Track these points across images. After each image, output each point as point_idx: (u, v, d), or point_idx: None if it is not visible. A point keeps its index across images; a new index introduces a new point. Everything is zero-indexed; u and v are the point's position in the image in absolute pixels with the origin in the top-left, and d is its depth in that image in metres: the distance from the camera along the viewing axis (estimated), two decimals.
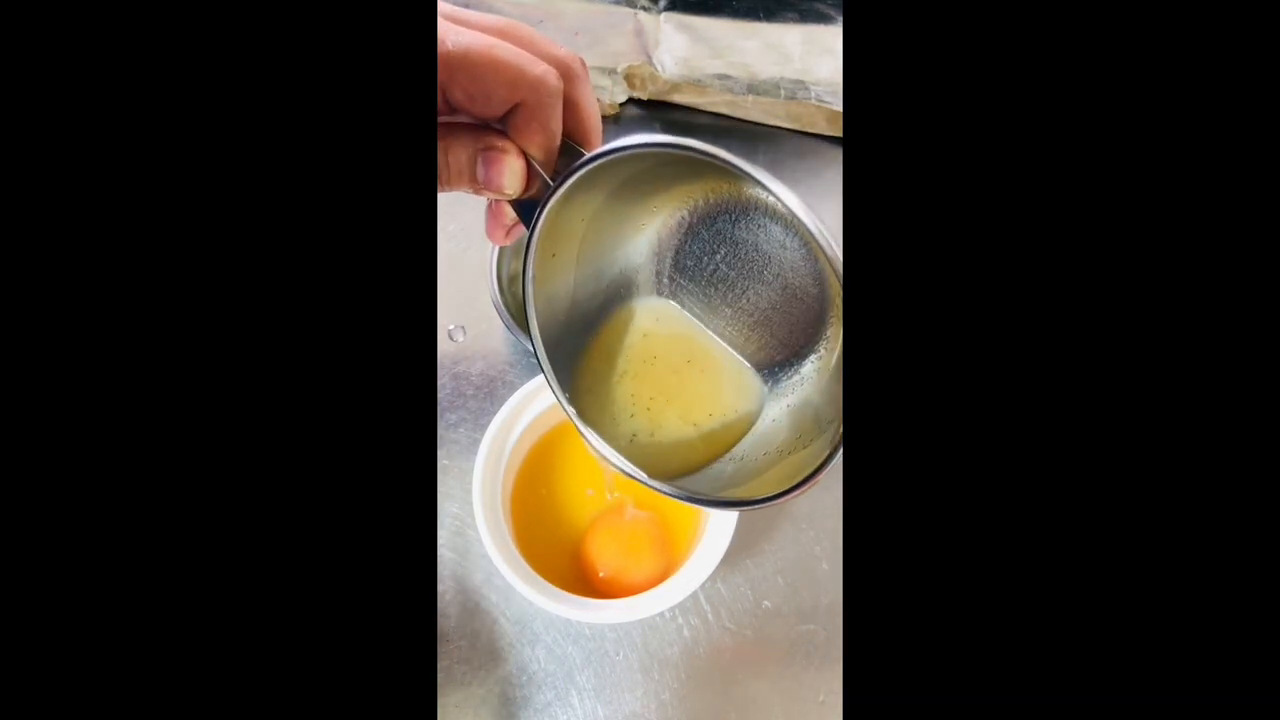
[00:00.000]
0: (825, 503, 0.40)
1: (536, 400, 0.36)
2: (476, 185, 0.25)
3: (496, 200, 0.26)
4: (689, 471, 0.28)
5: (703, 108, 0.51)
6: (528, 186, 0.25)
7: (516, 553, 0.33)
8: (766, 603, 0.38)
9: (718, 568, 0.33)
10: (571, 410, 0.27)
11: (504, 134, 0.24)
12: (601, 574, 0.35)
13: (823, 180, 0.50)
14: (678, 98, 0.51)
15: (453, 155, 0.24)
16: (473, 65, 0.22)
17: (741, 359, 0.30)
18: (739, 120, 0.51)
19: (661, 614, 0.37)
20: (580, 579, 0.35)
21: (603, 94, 0.49)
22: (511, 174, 0.24)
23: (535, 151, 0.24)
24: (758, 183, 0.21)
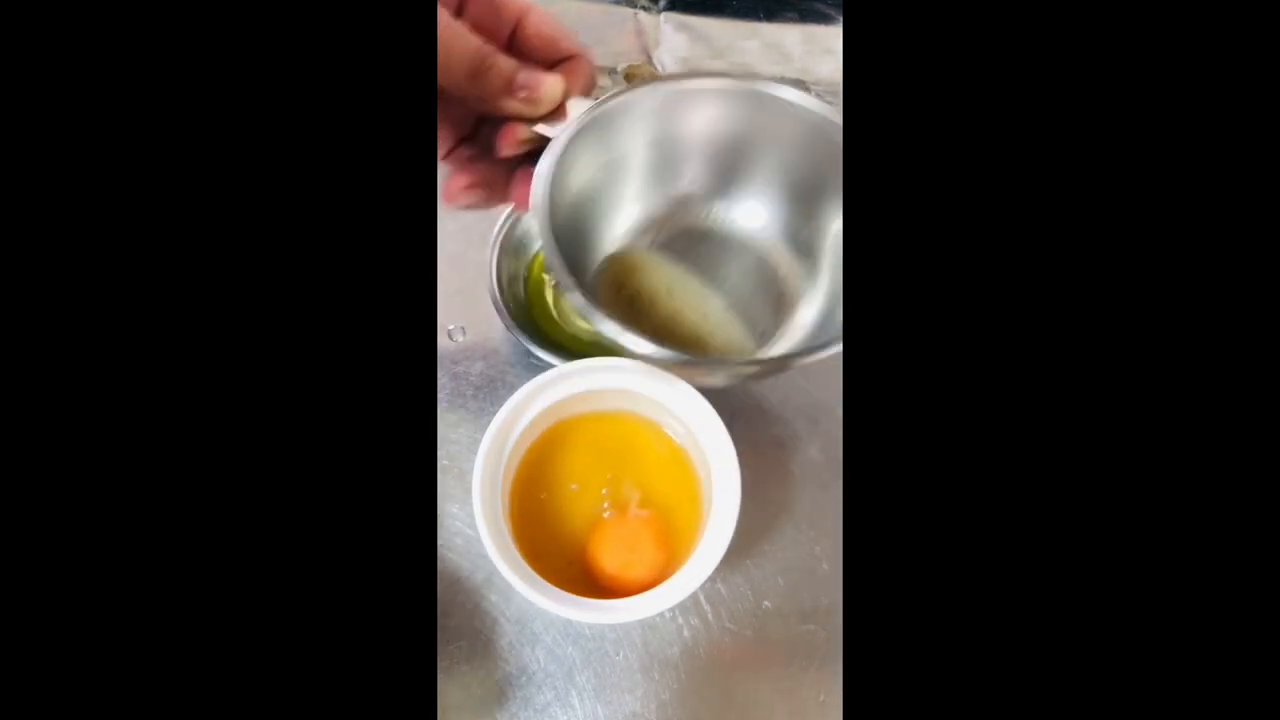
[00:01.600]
0: (825, 503, 0.40)
1: (537, 400, 0.36)
2: (514, 91, 0.28)
3: (516, 121, 0.30)
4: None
5: None
6: (553, 114, 0.29)
7: (516, 553, 0.33)
8: (766, 603, 0.38)
9: (718, 568, 0.32)
10: (575, 288, 0.30)
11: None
12: (604, 573, 0.35)
13: None
14: None
15: (502, 62, 0.27)
16: (553, 17, 0.29)
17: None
18: None
19: (661, 614, 0.37)
20: (581, 579, 0.35)
21: (602, 94, 0.49)
22: (552, 87, 0.29)
23: (574, 89, 0.30)
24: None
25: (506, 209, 0.42)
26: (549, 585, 0.32)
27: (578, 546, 0.36)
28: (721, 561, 0.33)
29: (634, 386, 0.37)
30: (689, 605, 0.38)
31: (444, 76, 0.26)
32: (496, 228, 0.42)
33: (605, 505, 0.37)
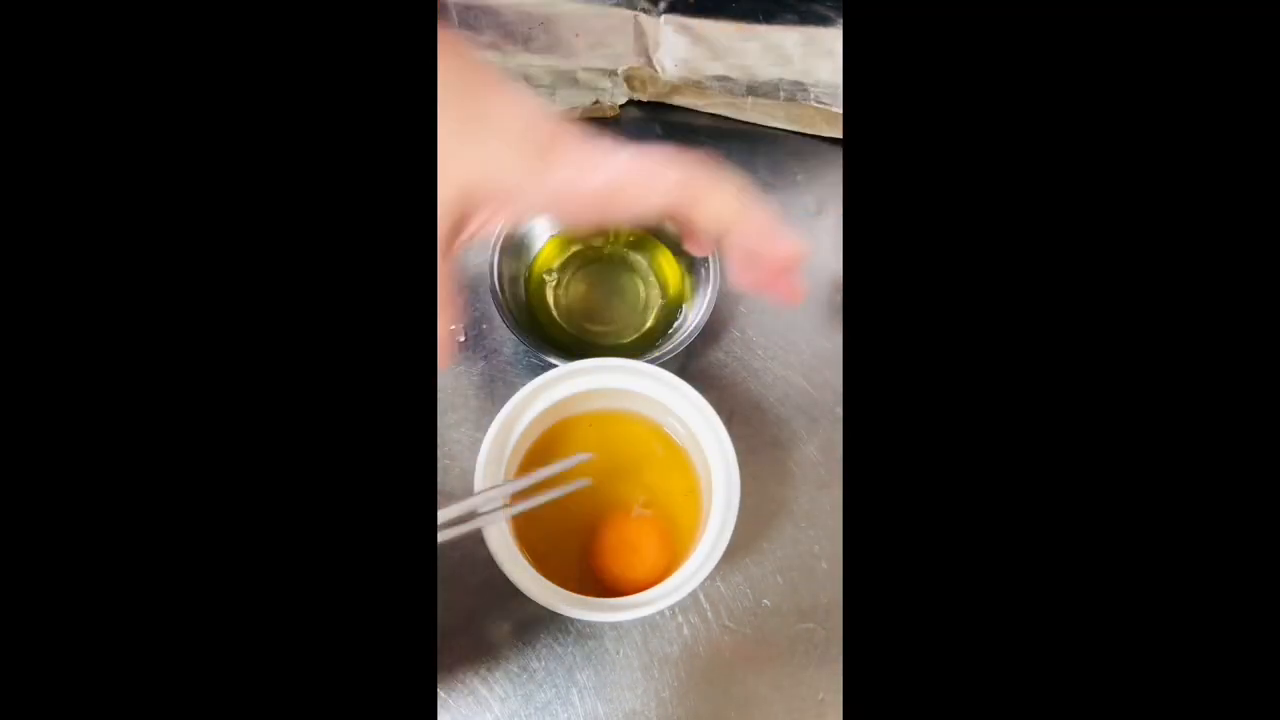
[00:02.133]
0: (824, 501, 0.40)
1: (537, 400, 0.36)
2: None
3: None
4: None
5: (702, 109, 0.51)
6: None
7: (517, 552, 0.33)
8: (766, 601, 0.38)
9: (717, 567, 0.33)
10: None
11: None
12: (605, 572, 0.35)
13: (823, 181, 0.50)
14: (678, 99, 0.51)
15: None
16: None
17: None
18: (738, 122, 0.51)
19: (661, 612, 0.37)
20: (582, 577, 0.36)
21: (603, 96, 0.49)
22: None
23: None
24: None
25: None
26: (550, 584, 0.33)
27: (579, 545, 0.36)
28: (721, 560, 0.33)
29: (634, 386, 0.37)
30: (689, 604, 0.38)
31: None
32: (497, 228, 0.42)
33: (606, 505, 0.37)
